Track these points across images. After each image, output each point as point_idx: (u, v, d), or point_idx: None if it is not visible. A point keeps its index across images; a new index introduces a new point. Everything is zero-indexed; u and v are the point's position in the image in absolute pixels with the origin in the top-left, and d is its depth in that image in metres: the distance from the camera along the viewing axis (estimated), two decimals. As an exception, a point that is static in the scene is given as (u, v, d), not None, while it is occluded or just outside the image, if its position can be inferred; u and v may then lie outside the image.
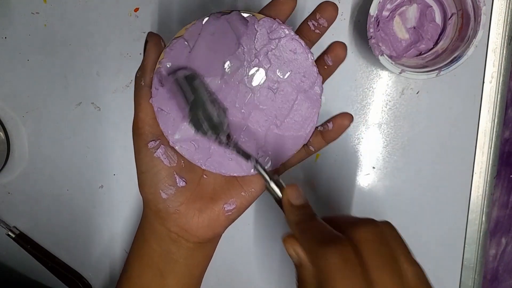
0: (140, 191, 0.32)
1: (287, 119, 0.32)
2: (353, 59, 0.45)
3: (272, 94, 0.31)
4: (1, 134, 0.48)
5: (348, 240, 0.24)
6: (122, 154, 0.48)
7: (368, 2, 0.39)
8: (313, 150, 0.33)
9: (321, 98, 0.32)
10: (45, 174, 0.49)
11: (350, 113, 0.32)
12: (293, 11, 0.31)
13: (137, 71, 0.31)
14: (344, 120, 0.32)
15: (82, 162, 0.49)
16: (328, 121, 0.32)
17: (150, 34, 0.31)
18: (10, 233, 0.50)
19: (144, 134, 0.30)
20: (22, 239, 0.50)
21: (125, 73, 0.47)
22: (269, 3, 0.31)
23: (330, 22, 0.31)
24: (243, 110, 0.31)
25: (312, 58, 0.31)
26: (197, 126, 0.30)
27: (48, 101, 0.48)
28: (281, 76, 0.31)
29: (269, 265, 0.49)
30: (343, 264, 0.22)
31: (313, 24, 0.31)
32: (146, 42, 0.31)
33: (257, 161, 0.30)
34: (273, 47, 0.31)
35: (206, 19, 0.30)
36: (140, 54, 0.46)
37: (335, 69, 0.32)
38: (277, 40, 0.31)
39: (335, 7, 0.30)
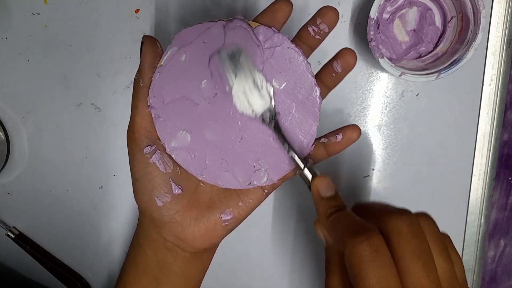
0: (135, 199, 0.31)
1: (284, 132, 0.31)
2: (353, 61, 0.45)
3: None
4: (1, 134, 0.48)
5: (377, 231, 0.23)
6: (122, 155, 0.48)
7: (369, 4, 0.39)
8: (314, 162, 0.32)
9: (319, 111, 0.30)
10: (45, 175, 0.49)
11: (355, 123, 0.32)
12: (288, 18, 0.30)
13: (136, 74, 0.31)
14: (353, 132, 0.31)
15: (82, 163, 0.49)
16: (336, 132, 0.31)
17: (145, 37, 0.31)
18: (9, 233, 0.50)
19: (140, 139, 0.30)
20: (22, 240, 0.50)
21: (125, 74, 0.47)
22: (263, 10, 0.30)
23: (331, 27, 0.30)
24: (238, 122, 0.30)
25: (310, 67, 0.30)
26: (241, 105, 0.29)
27: (48, 101, 0.48)
28: (277, 86, 0.30)
29: (268, 266, 0.49)
30: (374, 255, 0.22)
31: (313, 29, 0.30)
32: (142, 44, 0.30)
33: (292, 148, 0.30)
34: (269, 56, 0.30)
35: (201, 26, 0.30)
36: (141, 55, 0.46)
37: (343, 77, 0.31)
38: (272, 49, 0.30)
39: (335, 12, 0.30)
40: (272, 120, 0.30)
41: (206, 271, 0.35)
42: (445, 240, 0.26)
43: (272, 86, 0.30)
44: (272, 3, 0.30)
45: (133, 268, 0.33)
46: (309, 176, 0.29)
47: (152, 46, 0.30)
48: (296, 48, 0.30)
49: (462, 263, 0.25)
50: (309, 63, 0.30)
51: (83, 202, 0.49)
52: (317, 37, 0.31)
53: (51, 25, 0.47)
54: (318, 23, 0.30)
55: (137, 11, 0.46)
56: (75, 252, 0.51)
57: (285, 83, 0.30)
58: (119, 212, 0.49)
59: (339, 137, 0.31)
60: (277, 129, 0.30)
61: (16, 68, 0.47)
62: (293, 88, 0.30)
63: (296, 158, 0.30)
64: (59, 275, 0.50)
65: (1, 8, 0.46)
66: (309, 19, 0.31)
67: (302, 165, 0.30)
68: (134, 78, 0.31)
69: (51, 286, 0.51)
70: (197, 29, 0.30)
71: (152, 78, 0.30)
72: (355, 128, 0.31)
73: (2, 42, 0.47)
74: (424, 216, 0.26)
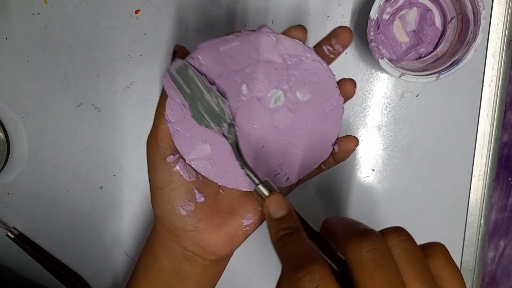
0: (154, 209, 0.31)
1: (306, 139, 0.31)
2: (353, 62, 0.45)
3: (291, 114, 0.30)
4: (1, 134, 0.48)
5: (322, 262, 0.21)
6: (122, 156, 0.48)
7: (369, 5, 0.39)
8: (324, 168, 0.32)
9: (341, 119, 0.31)
10: (45, 175, 0.49)
11: (356, 136, 0.31)
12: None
13: None
14: (349, 144, 0.31)
15: (82, 163, 0.49)
16: (334, 143, 0.31)
17: (177, 47, 0.30)
18: (9, 233, 0.50)
19: (163, 148, 0.29)
20: (21, 240, 0.50)
21: (125, 74, 0.47)
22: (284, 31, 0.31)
23: (345, 47, 0.30)
24: (260, 130, 0.30)
25: (335, 79, 0.30)
26: (200, 120, 0.29)
27: (48, 102, 0.48)
28: (302, 98, 0.30)
29: (266, 266, 0.49)
30: None
31: (327, 49, 0.30)
32: (175, 53, 0.30)
33: (245, 163, 0.29)
34: (293, 69, 0.30)
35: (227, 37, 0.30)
36: (141, 55, 0.46)
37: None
38: (297, 61, 0.30)
39: (350, 33, 0.30)
40: (231, 134, 0.29)
41: (221, 276, 0.34)
42: (435, 255, 0.22)
43: (292, 96, 0.30)
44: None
45: (146, 278, 0.33)
46: (266, 193, 0.28)
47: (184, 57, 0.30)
48: (321, 61, 0.30)
49: (460, 276, 0.21)
50: (334, 74, 0.30)
51: (83, 202, 0.49)
52: (332, 56, 0.31)
53: (51, 25, 0.47)
54: (333, 43, 0.30)
55: (137, 11, 0.46)
56: (75, 252, 0.51)
57: (309, 94, 0.30)
58: (119, 212, 0.49)
59: (336, 148, 0.31)
60: (235, 144, 0.29)
61: (16, 68, 0.47)
62: (317, 100, 0.30)
63: (250, 173, 0.29)
64: (58, 276, 0.50)
65: (1, 8, 0.46)
66: (323, 38, 0.31)
67: (257, 181, 0.28)
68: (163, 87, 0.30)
69: (51, 286, 0.51)
70: (215, 45, 0.30)
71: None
72: (351, 139, 0.31)
73: (2, 42, 0.47)
74: (394, 233, 0.22)
